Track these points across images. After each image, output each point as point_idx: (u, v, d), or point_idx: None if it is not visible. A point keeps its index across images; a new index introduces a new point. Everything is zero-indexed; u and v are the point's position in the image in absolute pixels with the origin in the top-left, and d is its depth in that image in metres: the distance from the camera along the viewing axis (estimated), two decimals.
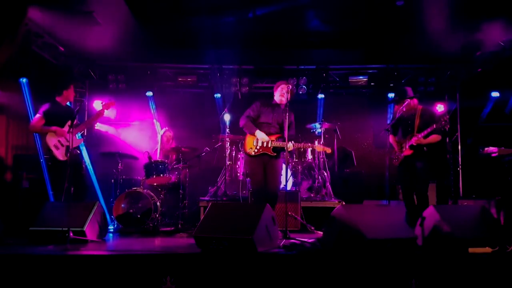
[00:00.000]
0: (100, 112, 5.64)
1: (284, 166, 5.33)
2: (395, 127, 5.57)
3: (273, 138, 5.14)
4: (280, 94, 5.24)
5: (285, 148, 4.87)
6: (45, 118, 5.38)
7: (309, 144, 5.52)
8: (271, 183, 5.15)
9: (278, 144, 5.09)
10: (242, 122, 5.27)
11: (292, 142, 5.07)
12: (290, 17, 6.95)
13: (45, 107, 5.45)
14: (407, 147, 5.35)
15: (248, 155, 5.23)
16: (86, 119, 5.71)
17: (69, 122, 5.17)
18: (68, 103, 5.76)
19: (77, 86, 5.73)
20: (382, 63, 8.11)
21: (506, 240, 3.94)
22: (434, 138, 5.24)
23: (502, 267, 3.60)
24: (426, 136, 5.21)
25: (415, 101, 5.46)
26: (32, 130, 5.60)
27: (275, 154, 5.13)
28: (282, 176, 5.33)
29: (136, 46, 7.13)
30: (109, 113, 5.82)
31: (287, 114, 4.90)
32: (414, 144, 5.26)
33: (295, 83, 8.07)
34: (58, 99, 5.57)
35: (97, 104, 7.79)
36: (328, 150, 5.38)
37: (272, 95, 5.38)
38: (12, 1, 5.62)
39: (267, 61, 8.15)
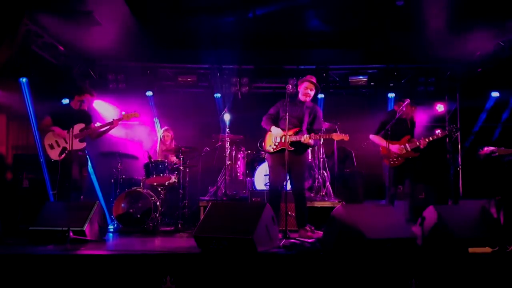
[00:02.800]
0: (115, 123, 5.57)
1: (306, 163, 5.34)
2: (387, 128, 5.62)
3: (290, 132, 5.03)
4: (303, 94, 5.25)
5: (299, 140, 4.94)
6: (52, 119, 5.47)
7: (326, 135, 5.23)
8: (294, 180, 5.12)
9: (295, 137, 4.99)
10: (263, 120, 5.32)
11: (307, 134, 5.00)
12: (290, 17, 6.94)
13: (53, 108, 5.58)
14: (409, 149, 5.62)
15: (268, 152, 5.22)
16: (95, 126, 5.61)
17: (77, 126, 5.28)
18: (83, 108, 5.64)
19: (92, 95, 5.67)
20: (382, 63, 8.10)
21: (506, 240, 3.94)
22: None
23: (502, 267, 3.60)
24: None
25: (415, 108, 5.86)
26: (38, 128, 5.92)
27: (293, 148, 4.97)
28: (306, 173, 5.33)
29: (136, 46, 7.12)
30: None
31: (307, 108, 5.08)
32: (422, 147, 5.57)
33: (295, 83, 8.03)
34: (71, 102, 5.59)
35: (98, 104, 7.83)
36: (346, 138, 5.08)
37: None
38: (12, 1, 5.63)
39: (267, 61, 8.13)
